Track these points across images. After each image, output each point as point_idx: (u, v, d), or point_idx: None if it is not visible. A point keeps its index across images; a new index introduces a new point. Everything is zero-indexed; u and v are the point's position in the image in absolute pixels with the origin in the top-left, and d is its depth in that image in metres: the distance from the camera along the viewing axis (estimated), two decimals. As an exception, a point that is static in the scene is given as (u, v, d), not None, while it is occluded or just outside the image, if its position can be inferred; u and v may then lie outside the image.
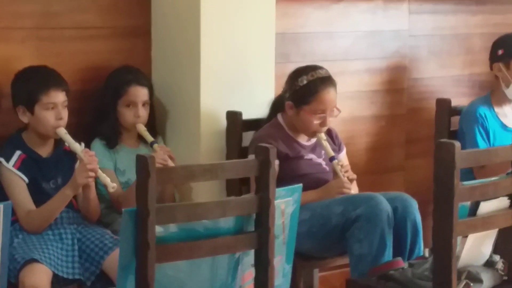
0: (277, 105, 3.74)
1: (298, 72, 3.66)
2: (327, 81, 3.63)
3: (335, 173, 3.64)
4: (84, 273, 3.31)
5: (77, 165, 3.36)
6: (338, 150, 3.77)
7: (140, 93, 3.61)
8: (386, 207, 3.44)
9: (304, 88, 3.61)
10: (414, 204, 3.58)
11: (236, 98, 3.75)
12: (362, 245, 3.42)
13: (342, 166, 3.63)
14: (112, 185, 3.32)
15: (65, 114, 3.38)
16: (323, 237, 3.53)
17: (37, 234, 3.32)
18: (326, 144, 3.65)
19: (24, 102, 3.36)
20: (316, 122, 3.61)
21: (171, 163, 3.50)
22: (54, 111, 3.35)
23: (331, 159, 3.64)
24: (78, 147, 3.36)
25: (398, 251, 3.50)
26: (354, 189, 3.67)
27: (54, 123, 3.35)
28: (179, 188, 3.73)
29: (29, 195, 3.33)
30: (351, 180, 3.62)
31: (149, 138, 3.61)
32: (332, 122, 3.73)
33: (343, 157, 3.80)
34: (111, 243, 3.33)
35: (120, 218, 3.35)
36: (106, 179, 3.32)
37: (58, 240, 3.33)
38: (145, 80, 3.67)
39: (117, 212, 3.50)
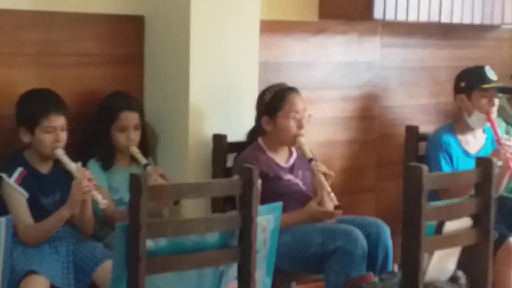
0: (254, 133, 3.84)
1: (263, 91, 3.79)
2: (292, 88, 3.77)
3: (313, 173, 3.69)
4: (77, 284, 3.37)
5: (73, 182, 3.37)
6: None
7: (131, 118, 3.67)
8: (362, 242, 3.53)
9: (273, 99, 3.73)
10: (387, 231, 3.68)
11: (222, 122, 3.84)
12: (338, 276, 3.51)
13: (319, 165, 3.69)
14: (103, 202, 3.36)
15: (63, 136, 3.42)
16: (302, 261, 3.63)
17: (34, 247, 3.38)
18: (304, 147, 3.74)
19: (26, 124, 3.42)
20: (293, 124, 3.73)
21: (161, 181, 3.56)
22: (53, 134, 3.40)
23: (310, 160, 3.71)
24: (73, 167, 3.38)
25: (370, 270, 3.59)
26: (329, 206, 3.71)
27: (52, 145, 3.40)
28: (168, 205, 3.73)
29: (28, 210, 3.38)
30: (329, 178, 3.65)
31: (143, 160, 3.67)
32: (310, 145, 3.81)
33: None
34: (101, 255, 3.38)
35: (112, 233, 3.34)
36: (97, 196, 3.37)
37: (54, 252, 3.39)
38: (136, 105, 3.71)
39: (110, 228, 3.53)
